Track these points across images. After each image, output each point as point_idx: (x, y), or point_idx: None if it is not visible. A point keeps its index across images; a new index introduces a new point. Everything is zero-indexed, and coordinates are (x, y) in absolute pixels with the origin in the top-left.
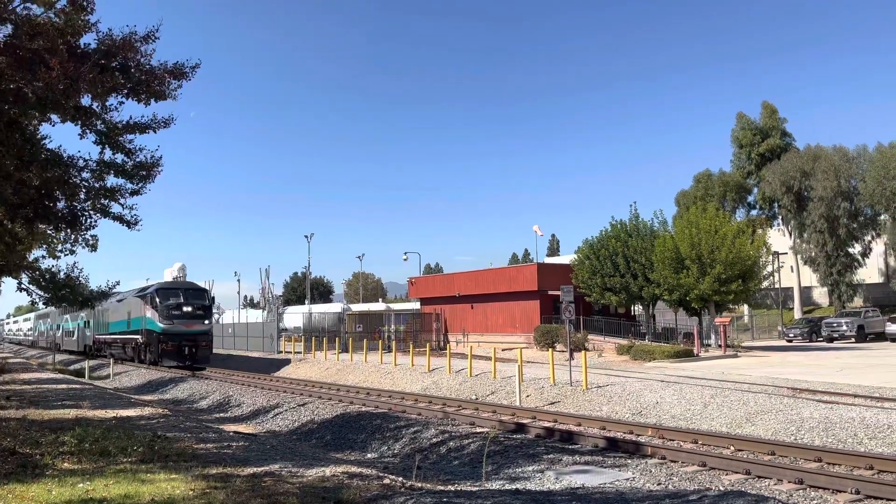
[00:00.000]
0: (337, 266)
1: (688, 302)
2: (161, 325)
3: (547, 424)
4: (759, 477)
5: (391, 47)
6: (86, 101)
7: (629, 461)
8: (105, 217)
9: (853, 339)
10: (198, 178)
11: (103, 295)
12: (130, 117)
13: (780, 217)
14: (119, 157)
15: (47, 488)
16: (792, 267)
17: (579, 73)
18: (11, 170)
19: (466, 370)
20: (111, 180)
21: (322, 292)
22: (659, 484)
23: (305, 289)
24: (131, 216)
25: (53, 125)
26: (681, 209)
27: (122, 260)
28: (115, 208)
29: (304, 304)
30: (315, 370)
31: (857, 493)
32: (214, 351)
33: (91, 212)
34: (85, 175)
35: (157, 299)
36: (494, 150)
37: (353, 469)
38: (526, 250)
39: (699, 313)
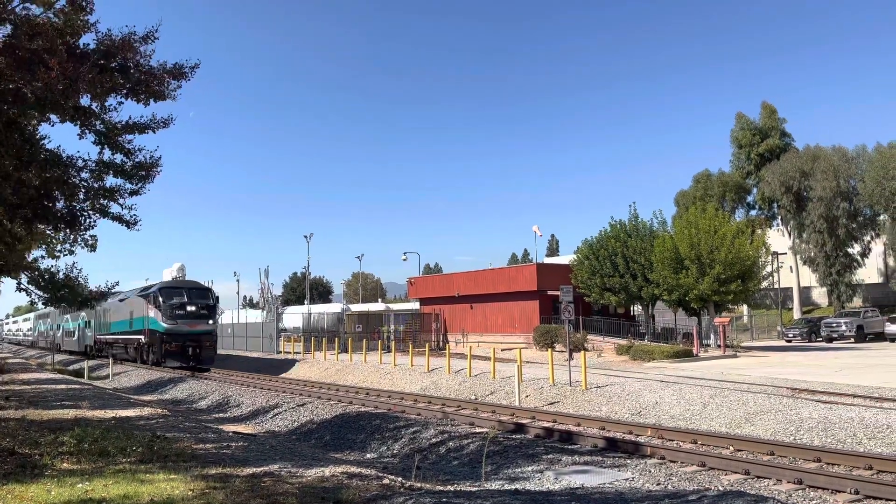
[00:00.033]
0: (336, 266)
1: (687, 302)
2: (164, 324)
3: (546, 424)
4: (759, 477)
5: (391, 47)
6: (85, 101)
7: (628, 461)
8: (104, 217)
9: (852, 340)
10: (197, 178)
11: (102, 295)
12: (130, 117)
13: (780, 217)
14: (118, 158)
15: (46, 488)
16: (791, 267)
17: (579, 73)
18: (10, 170)
19: (466, 370)
20: (110, 180)
21: (321, 292)
22: (658, 484)
23: (305, 289)
24: (130, 216)
25: (53, 125)
26: (680, 209)
27: (121, 260)
28: (115, 208)
29: (303, 304)
30: (314, 370)
31: (857, 493)
32: None
33: (90, 212)
34: (84, 175)
35: (161, 299)
36: (494, 150)
37: (353, 469)
38: (525, 250)
39: (698, 313)
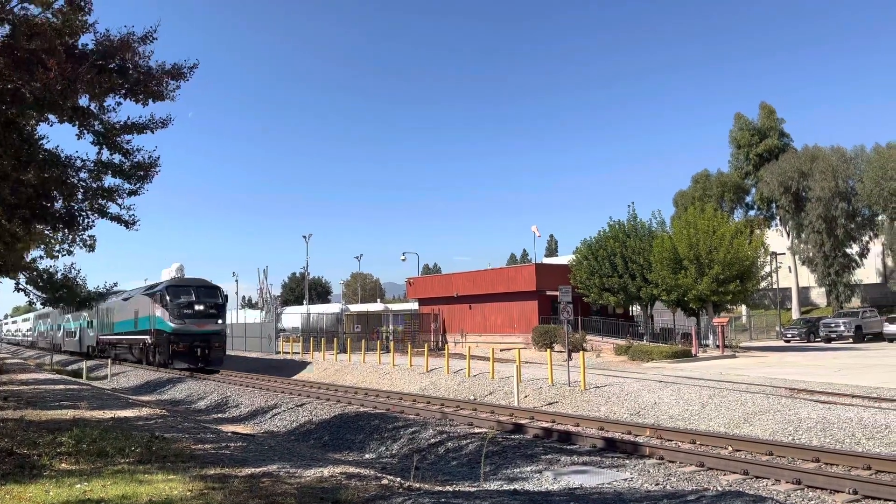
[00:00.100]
0: (335, 266)
1: (686, 302)
2: (172, 324)
3: (545, 425)
4: (757, 477)
5: (391, 47)
6: (83, 101)
7: (627, 461)
8: (103, 217)
9: (851, 340)
10: (196, 178)
11: (101, 296)
12: (128, 118)
13: (778, 217)
14: (117, 158)
15: (45, 489)
16: (790, 267)
17: (578, 74)
18: (9, 170)
19: (465, 370)
20: (109, 180)
21: (320, 293)
22: (657, 484)
23: (304, 289)
24: (129, 216)
25: (51, 125)
26: (679, 210)
27: (119, 260)
28: (113, 208)
29: (302, 304)
30: (314, 370)
31: (855, 493)
32: None
33: (89, 212)
34: (83, 175)
35: (168, 297)
36: (493, 150)
37: (351, 469)
38: (524, 251)
39: (697, 314)
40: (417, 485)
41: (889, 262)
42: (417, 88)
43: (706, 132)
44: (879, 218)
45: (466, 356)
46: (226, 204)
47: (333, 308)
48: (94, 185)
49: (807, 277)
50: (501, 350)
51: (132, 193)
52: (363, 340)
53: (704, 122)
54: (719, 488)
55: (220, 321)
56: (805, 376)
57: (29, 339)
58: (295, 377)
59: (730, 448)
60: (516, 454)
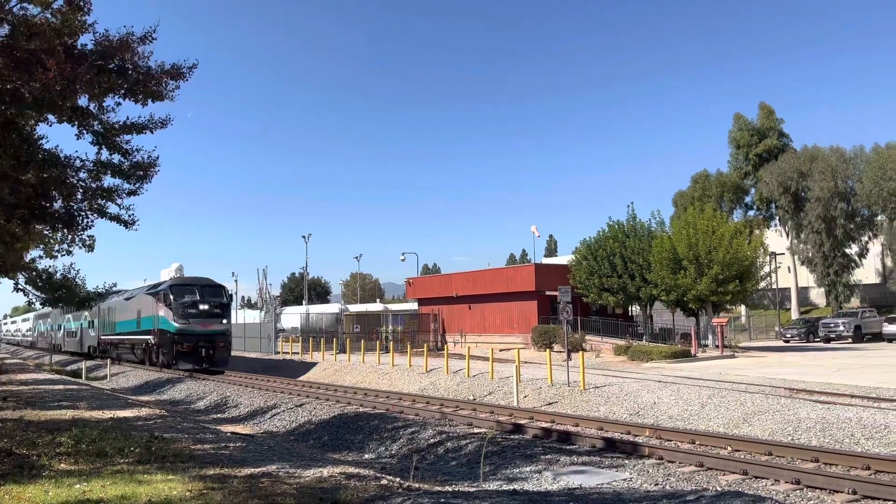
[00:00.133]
0: (335, 266)
1: (685, 302)
2: (176, 324)
3: (544, 425)
4: (757, 477)
5: (390, 47)
6: (83, 101)
7: (627, 461)
8: (102, 217)
9: (850, 340)
10: (196, 178)
11: (100, 296)
12: (127, 118)
13: (778, 218)
14: (116, 158)
15: (44, 489)
16: (789, 267)
17: (578, 74)
18: (8, 170)
19: (464, 371)
20: (108, 180)
21: (320, 293)
22: (656, 484)
23: (303, 289)
24: (128, 216)
25: (50, 125)
26: (678, 210)
27: (119, 260)
28: (112, 208)
29: (301, 304)
30: (313, 371)
31: (854, 493)
32: None
33: (88, 212)
34: (82, 175)
35: (172, 297)
36: (493, 150)
37: (351, 470)
38: (524, 251)
39: (696, 314)
40: (417, 485)
41: (888, 262)
42: (417, 88)
43: (706, 132)
44: (879, 218)
45: (466, 356)
46: (225, 204)
47: (333, 308)
48: (94, 185)
49: (806, 277)
50: (501, 350)
51: (131, 193)
52: (362, 341)
53: (704, 123)
54: (718, 488)
55: (224, 321)
56: (804, 376)
57: (29, 339)
58: (300, 378)
59: (729, 448)
60: (516, 454)
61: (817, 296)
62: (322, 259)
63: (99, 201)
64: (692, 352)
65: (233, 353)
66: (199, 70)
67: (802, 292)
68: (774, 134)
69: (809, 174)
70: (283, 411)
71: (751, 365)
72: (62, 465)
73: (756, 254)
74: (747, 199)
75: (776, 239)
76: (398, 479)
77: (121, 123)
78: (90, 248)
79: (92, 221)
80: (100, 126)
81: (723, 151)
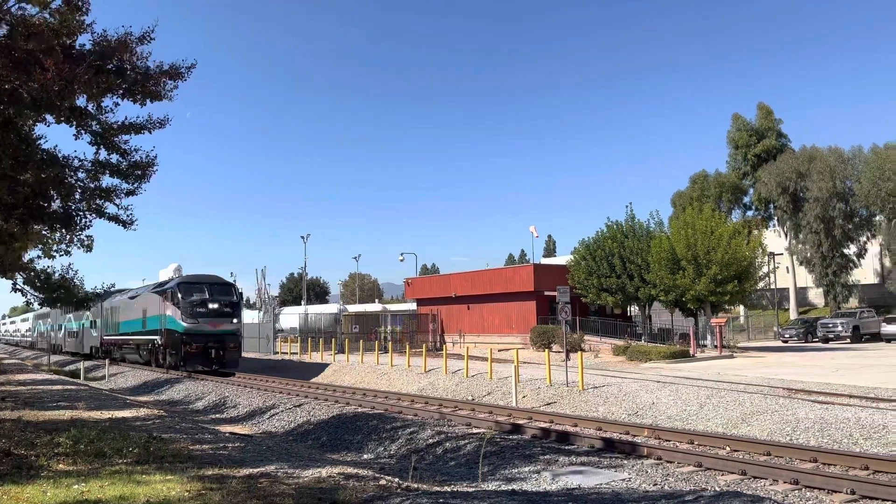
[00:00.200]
0: (333, 267)
1: (684, 303)
2: (184, 324)
3: (543, 425)
4: (755, 477)
5: (390, 47)
6: (81, 101)
7: (625, 462)
8: (100, 217)
9: (848, 340)
10: (194, 178)
11: (98, 296)
12: (126, 118)
13: (776, 218)
14: (114, 158)
15: (42, 490)
16: (788, 268)
17: (577, 74)
18: (7, 170)
19: (463, 371)
20: (106, 180)
21: (318, 293)
22: (655, 484)
23: (302, 289)
24: (127, 216)
25: (48, 126)
26: (677, 210)
27: (117, 261)
28: (111, 209)
29: (300, 304)
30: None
31: (853, 493)
32: None
33: (86, 212)
34: (80, 175)
35: (180, 295)
36: (491, 150)
37: (350, 470)
38: (522, 251)
39: (695, 314)
40: (416, 485)
41: (886, 262)
42: (417, 88)
43: (704, 132)
44: (877, 218)
45: (464, 356)
46: (224, 204)
47: (332, 308)
48: (92, 185)
49: (804, 278)
50: (499, 350)
51: (130, 193)
52: (361, 341)
53: (703, 123)
54: (717, 488)
55: (235, 320)
56: (803, 376)
57: (28, 339)
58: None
59: (728, 448)
60: (514, 454)
61: (816, 296)
62: (321, 259)
63: (97, 201)
64: (691, 352)
65: None
66: (198, 70)
67: (801, 292)
68: (773, 134)
69: (808, 174)
70: (282, 411)
71: (749, 365)
72: (60, 465)
73: (754, 254)
74: (746, 200)
75: (775, 239)
76: (397, 480)
77: (119, 123)
78: (88, 248)
79: (90, 221)
80: (98, 126)
81: (721, 152)
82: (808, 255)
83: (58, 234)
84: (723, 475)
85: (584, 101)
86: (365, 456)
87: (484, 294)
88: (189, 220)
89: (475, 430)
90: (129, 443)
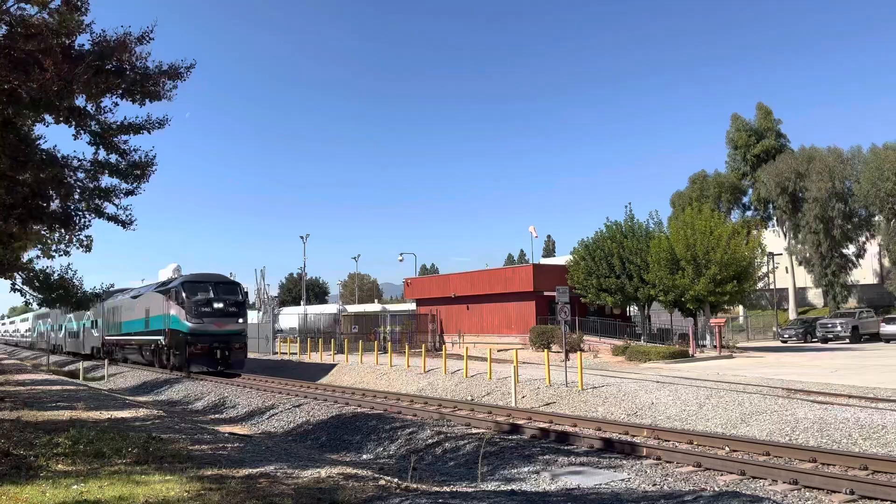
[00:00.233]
0: (333, 267)
1: (683, 303)
2: (189, 324)
3: (542, 425)
4: (754, 477)
5: (389, 48)
6: (80, 101)
7: (625, 462)
8: (99, 217)
9: (848, 340)
10: (193, 178)
11: (96, 296)
12: (125, 118)
13: (775, 218)
14: (113, 157)
15: (41, 490)
16: (787, 268)
17: (575, 73)
18: (6, 170)
19: (462, 371)
20: (105, 180)
21: (317, 293)
22: (654, 485)
23: (301, 290)
24: (126, 216)
25: (47, 126)
26: (676, 210)
27: (116, 261)
28: (110, 209)
29: (299, 304)
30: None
31: (852, 493)
32: None
33: (85, 212)
34: (79, 175)
35: (184, 294)
36: (491, 150)
37: (349, 470)
38: (521, 251)
39: (694, 314)
40: (415, 485)
41: (885, 262)
42: (417, 89)
43: (704, 133)
44: (876, 218)
45: (464, 357)
46: (223, 204)
47: (331, 309)
48: (91, 185)
49: (804, 278)
50: (499, 350)
51: (129, 193)
52: (360, 341)
53: (702, 123)
54: (716, 488)
55: (240, 320)
56: (802, 377)
57: (28, 339)
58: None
59: (727, 448)
60: (514, 455)
61: (815, 296)
62: (320, 259)
63: (96, 201)
64: (690, 352)
65: None
66: (198, 70)
67: (800, 293)
68: (772, 134)
69: (807, 175)
70: (281, 412)
71: (748, 365)
72: (59, 465)
73: (754, 254)
74: (745, 200)
75: (774, 239)
76: (396, 480)
77: (118, 124)
78: (87, 248)
79: (89, 221)
80: (97, 126)
81: (721, 152)
82: (808, 255)
83: (57, 234)
84: (722, 475)
85: (584, 101)
86: (364, 456)
87: (483, 294)
88: (188, 220)
89: (474, 431)
90: (128, 443)
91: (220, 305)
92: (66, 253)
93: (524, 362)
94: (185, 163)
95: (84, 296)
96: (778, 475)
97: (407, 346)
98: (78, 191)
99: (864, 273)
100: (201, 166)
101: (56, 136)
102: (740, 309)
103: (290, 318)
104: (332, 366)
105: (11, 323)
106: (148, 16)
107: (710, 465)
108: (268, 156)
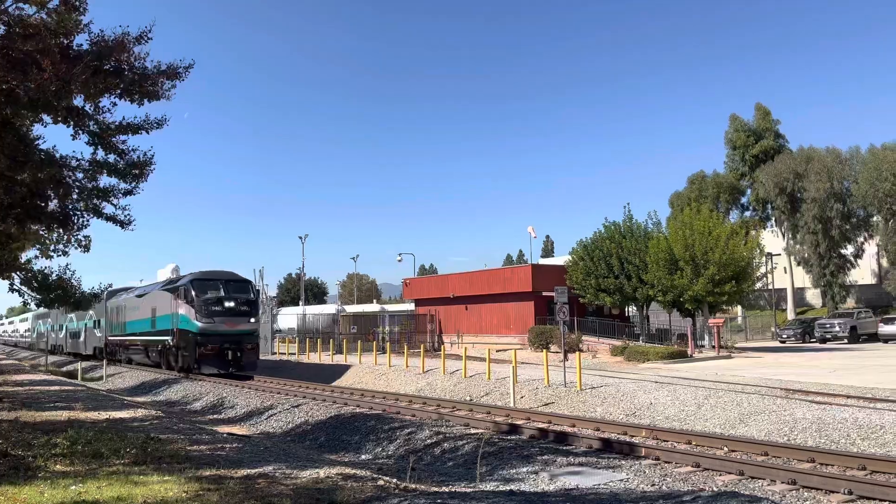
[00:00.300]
0: (331, 267)
1: (682, 303)
2: (199, 323)
3: (541, 425)
4: (753, 478)
5: (388, 47)
6: (78, 101)
7: (623, 462)
8: (98, 217)
9: (846, 340)
10: (192, 178)
11: (95, 296)
12: (123, 118)
13: (774, 218)
14: (111, 157)
15: (39, 490)
16: (785, 268)
17: (575, 73)
18: (4, 170)
19: (461, 371)
20: (104, 180)
21: (316, 293)
22: (653, 485)
23: (300, 290)
24: (124, 216)
25: (46, 126)
26: (675, 210)
27: (115, 261)
28: (108, 209)
29: (298, 305)
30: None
31: (850, 493)
32: None
33: (83, 211)
34: (78, 175)
35: (194, 293)
36: (490, 150)
37: (347, 470)
38: (520, 251)
39: (693, 314)
40: (413, 486)
41: (884, 262)
42: (415, 88)
43: (702, 133)
44: (874, 219)
45: (463, 357)
46: (222, 204)
47: (330, 309)
48: (90, 185)
49: (802, 278)
50: (498, 351)
51: (127, 193)
52: (359, 341)
53: (701, 123)
54: (715, 489)
55: (252, 319)
56: (800, 377)
57: (27, 339)
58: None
59: (725, 448)
60: (512, 455)
61: (813, 296)
62: (319, 260)
63: (95, 201)
64: (689, 352)
65: None
66: (196, 70)
67: (798, 293)
68: (770, 135)
69: (805, 175)
70: (280, 412)
71: (747, 365)
72: (58, 466)
73: (752, 254)
74: (743, 200)
75: (772, 240)
76: (395, 480)
77: (117, 124)
78: (86, 248)
79: (87, 221)
80: (96, 126)
81: (719, 152)
82: (806, 255)
83: (55, 234)
84: (720, 475)
85: (582, 100)
86: (363, 456)
87: (482, 294)
88: (187, 220)
89: (473, 431)
90: (126, 443)
91: (231, 304)
92: (65, 253)
93: (523, 362)
94: (184, 163)
95: (82, 296)
96: (776, 475)
97: (405, 347)
98: (76, 191)
99: (863, 273)
100: (200, 166)
101: (55, 137)
102: (739, 309)
103: (288, 318)
104: (335, 366)
105: (10, 323)
106: (146, 16)
107: (709, 465)
108: (266, 155)
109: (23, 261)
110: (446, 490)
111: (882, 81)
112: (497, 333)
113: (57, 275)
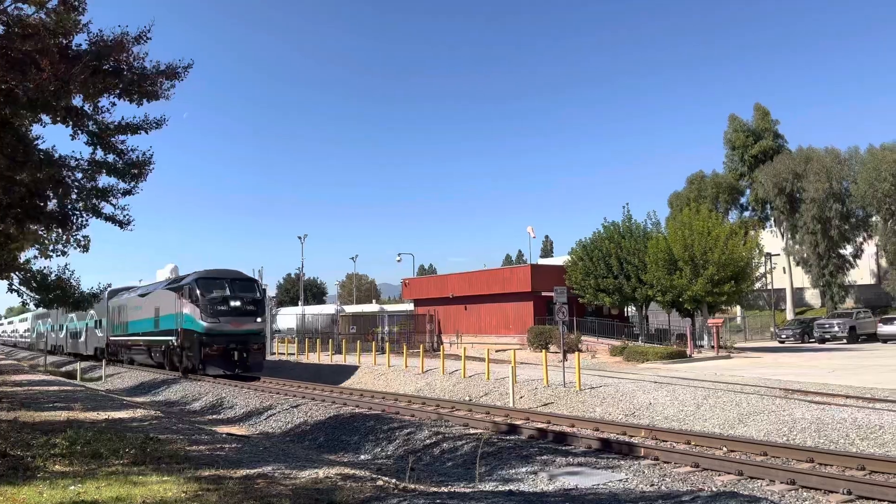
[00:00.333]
0: (330, 267)
1: (681, 303)
2: (204, 323)
3: (540, 426)
4: (752, 478)
5: (387, 47)
6: (77, 101)
7: (622, 462)
8: (97, 217)
9: (845, 340)
10: (191, 178)
11: (94, 296)
12: (122, 118)
13: (773, 218)
14: (111, 157)
15: (38, 491)
16: (784, 268)
17: (574, 73)
18: (3, 170)
19: (460, 371)
20: (103, 180)
21: (315, 293)
22: (652, 485)
23: (299, 290)
24: (123, 216)
25: (45, 126)
26: (674, 210)
27: (114, 261)
28: (107, 209)
29: (297, 305)
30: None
31: (849, 493)
32: None
33: (82, 211)
34: (77, 175)
35: (199, 292)
36: (489, 150)
37: (347, 471)
38: (519, 251)
39: (692, 314)
40: (413, 486)
41: (883, 262)
42: (414, 88)
43: (701, 133)
44: (873, 219)
45: (462, 357)
46: (221, 204)
47: (329, 309)
48: (89, 185)
49: (801, 278)
50: (497, 351)
51: (126, 193)
52: (358, 341)
53: (700, 123)
54: (714, 489)
55: (259, 319)
56: (799, 377)
57: (26, 340)
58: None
59: (724, 449)
60: (512, 455)
61: (812, 296)
62: (318, 260)
63: (94, 201)
64: (688, 352)
65: None
66: (195, 70)
67: (797, 293)
68: (770, 135)
69: (804, 175)
70: (279, 412)
71: (746, 365)
72: (57, 466)
73: (751, 254)
74: (742, 200)
75: (771, 240)
76: (394, 480)
77: (116, 124)
78: (85, 248)
79: (86, 221)
80: (95, 126)
81: (718, 152)
82: (805, 255)
83: (54, 234)
84: (720, 475)
85: (582, 100)
86: (362, 457)
87: (481, 294)
88: (186, 220)
89: (472, 431)
90: (125, 444)
91: (237, 304)
92: (64, 253)
93: (522, 363)
94: (183, 162)
95: (82, 296)
96: (775, 475)
97: (405, 347)
98: (75, 190)
99: (862, 273)
100: (199, 166)
101: (54, 137)
102: (738, 309)
103: (287, 318)
104: (334, 366)
105: (10, 323)
106: (145, 15)
107: (708, 465)
108: (266, 155)
109: (22, 261)
110: (445, 490)
111: (882, 81)
112: (496, 333)
113: (56, 275)
